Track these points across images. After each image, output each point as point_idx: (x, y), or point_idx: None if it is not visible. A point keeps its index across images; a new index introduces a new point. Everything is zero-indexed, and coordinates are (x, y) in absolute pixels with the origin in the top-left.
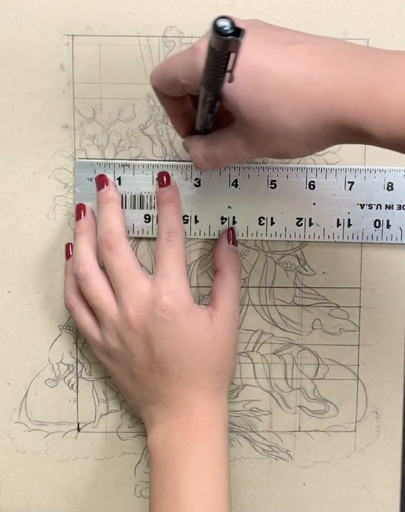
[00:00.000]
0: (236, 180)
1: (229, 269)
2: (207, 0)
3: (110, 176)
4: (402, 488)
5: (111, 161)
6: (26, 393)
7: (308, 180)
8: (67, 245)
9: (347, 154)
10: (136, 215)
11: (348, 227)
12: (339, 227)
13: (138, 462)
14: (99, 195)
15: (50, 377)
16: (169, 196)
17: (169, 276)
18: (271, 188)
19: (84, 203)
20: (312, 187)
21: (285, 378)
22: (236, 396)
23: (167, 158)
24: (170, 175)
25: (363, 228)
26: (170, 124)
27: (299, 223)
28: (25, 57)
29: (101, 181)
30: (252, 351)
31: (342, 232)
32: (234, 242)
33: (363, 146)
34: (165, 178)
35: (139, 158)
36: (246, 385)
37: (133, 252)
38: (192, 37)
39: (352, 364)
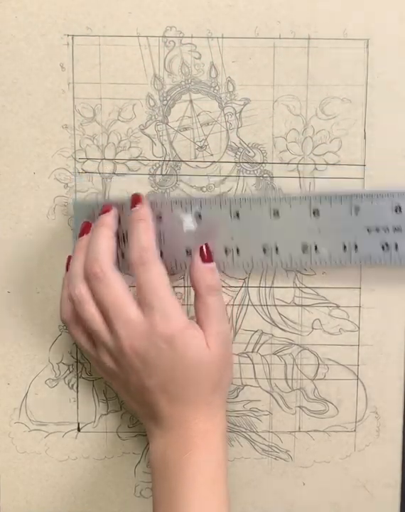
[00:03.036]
0: (237, 212)
1: (206, 289)
2: (207, 0)
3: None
4: (402, 488)
5: (111, 200)
6: (26, 393)
7: (313, 208)
8: (69, 258)
9: (347, 154)
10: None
11: (355, 251)
12: (346, 252)
13: (138, 462)
14: (97, 219)
15: (50, 377)
16: (139, 215)
17: (155, 303)
18: (274, 217)
19: (90, 222)
20: (316, 214)
21: (285, 378)
22: (236, 396)
23: (167, 159)
24: (142, 195)
25: (370, 252)
26: (170, 124)
27: (305, 250)
28: (25, 57)
29: (104, 207)
30: (252, 352)
31: (350, 257)
32: (208, 260)
33: (362, 145)
34: (136, 200)
35: (139, 158)
36: (246, 385)
37: (122, 279)
38: (192, 37)
39: (352, 364)
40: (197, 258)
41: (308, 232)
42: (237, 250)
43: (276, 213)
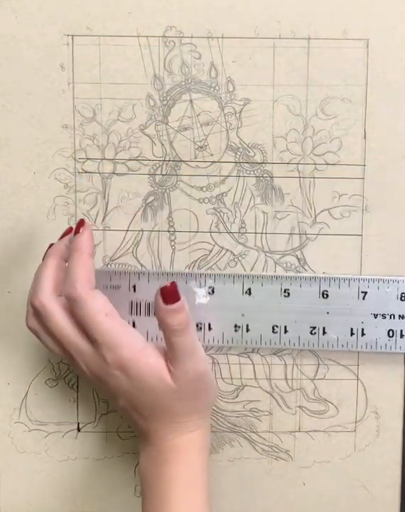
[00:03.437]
0: (249, 289)
1: (169, 331)
2: (207, 0)
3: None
4: (402, 488)
5: (126, 269)
6: (26, 393)
7: (322, 290)
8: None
9: (347, 154)
10: (152, 323)
11: (362, 336)
12: (353, 336)
13: (138, 462)
14: (73, 240)
15: (50, 377)
16: (77, 245)
17: (101, 337)
18: (285, 296)
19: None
20: (325, 296)
21: (286, 379)
22: (237, 396)
23: (167, 159)
24: (86, 221)
25: (377, 338)
26: (170, 124)
27: (313, 332)
28: (25, 57)
29: (77, 225)
30: (252, 352)
31: (356, 342)
32: (172, 301)
33: (362, 145)
34: (79, 225)
35: (139, 158)
36: (246, 385)
37: (63, 309)
38: (192, 37)
39: (352, 364)
40: (159, 300)
41: (317, 313)
42: (247, 327)
43: (287, 293)
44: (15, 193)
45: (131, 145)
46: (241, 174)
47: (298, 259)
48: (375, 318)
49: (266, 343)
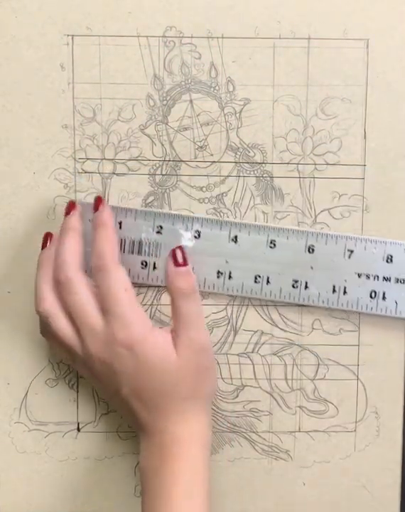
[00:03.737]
0: (236, 236)
1: (177, 294)
2: (207, 0)
3: (79, 205)
4: (402, 488)
5: (114, 204)
6: (26, 393)
7: (308, 244)
8: (46, 235)
9: (347, 154)
10: (133, 261)
11: (343, 294)
12: (335, 293)
13: (139, 462)
14: (63, 223)
15: (50, 377)
16: (99, 220)
17: (115, 311)
18: (270, 247)
19: (51, 233)
20: (311, 251)
21: (286, 379)
22: (236, 397)
23: (167, 159)
24: (104, 199)
25: (358, 297)
26: (170, 124)
27: (295, 285)
28: (25, 57)
29: (68, 207)
30: (252, 352)
31: (337, 299)
32: (183, 264)
33: (362, 145)
34: (97, 202)
35: (139, 158)
36: (246, 385)
37: (89, 285)
38: (192, 37)
39: (352, 364)
40: (170, 262)
41: (301, 267)
42: (230, 274)
43: (273, 244)
44: (15, 193)
45: (131, 145)
46: (241, 174)
47: None
48: (359, 277)
49: (247, 292)
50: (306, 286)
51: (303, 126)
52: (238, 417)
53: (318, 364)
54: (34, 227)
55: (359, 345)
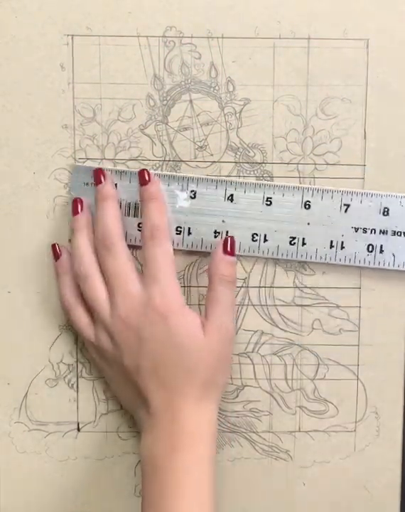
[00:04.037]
0: (232, 195)
1: (219, 279)
2: (207, 0)
3: (108, 172)
4: (402, 488)
5: (108, 167)
6: (26, 393)
7: (304, 200)
8: (54, 246)
9: (347, 154)
10: (130, 223)
11: (341, 249)
12: (333, 249)
13: (138, 462)
14: (97, 192)
15: (50, 377)
16: (151, 193)
17: (158, 278)
18: (267, 205)
19: (82, 198)
20: (307, 207)
21: (286, 379)
22: (236, 397)
23: (167, 159)
24: (151, 172)
25: (356, 252)
26: (170, 124)
27: (292, 242)
28: (25, 57)
29: (98, 175)
30: (252, 352)
31: (335, 254)
32: (231, 252)
33: (362, 145)
34: (146, 175)
35: (139, 158)
36: (246, 385)
37: (130, 254)
38: (192, 37)
39: (352, 364)
40: (219, 248)
41: (298, 224)
42: (227, 234)
43: (269, 201)
44: (15, 193)
45: (131, 145)
46: (241, 174)
47: None
48: (355, 231)
49: (245, 251)
50: (303, 243)
51: (303, 126)
52: (238, 417)
53: (318, 364)
54: (34, 227)
55: (359, 345)
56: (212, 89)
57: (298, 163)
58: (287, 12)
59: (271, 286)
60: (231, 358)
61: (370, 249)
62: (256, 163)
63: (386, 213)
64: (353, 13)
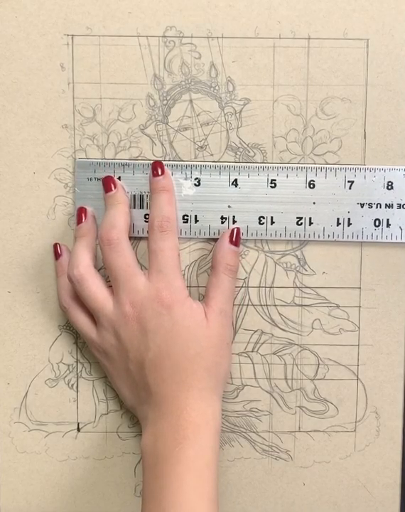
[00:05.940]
0: (236, 180)
1: (224, 268)
2: (207, 0)
3: (117, 179)
4: (402, 488)
5: (111, 160)
6: (26, 393)
7: (308, 180)
8: (55, 245)
9: (347, 154)
10: (136, 215)
11: (348, 226)
12: (339, 226)
13: (138, 462)
14: (108, 198)
15: (50, 377)
16: (163, 185)
17: (164, 271)
18: (271, 187)
19: (86, 207)
20: (312, 186)
21: (285, 378)
22: (236, 396)
23: (167, 158)
24: (164, 165)
25: (363, 227)
26: (170, 124)
27: (299, 222)
28: (25, 57)
29: (108, 183)
30: (252, 351)
31: (342, 232)
32: (236, 243)
33: (362, 145)
34: (158, 168)
35: (139, 158)
36: (246, 385)
37: (133, 250)
38: (192, 37)
39: (352, 364)
40: (225, 238)
41: (304, 204)
42: (233, 219)
43: (274, 183)
44: (15, 193)
45: (131, 145)
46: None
47: (298, 259)
48: (361, 207)
49: (252, 235)
50: (310, 222)
51: (303, 126)
52: (238, 416)
53: (318, 364)
54: (34, 227)
55: (359, 345)
56: (212, 89)
57: (298, 163)
58: (287, 12)
59: (271, 287)
60: (231, 344)
61: (377, 223)
62: (256, 163)
63: (390, 187)
64: (353, 13)
